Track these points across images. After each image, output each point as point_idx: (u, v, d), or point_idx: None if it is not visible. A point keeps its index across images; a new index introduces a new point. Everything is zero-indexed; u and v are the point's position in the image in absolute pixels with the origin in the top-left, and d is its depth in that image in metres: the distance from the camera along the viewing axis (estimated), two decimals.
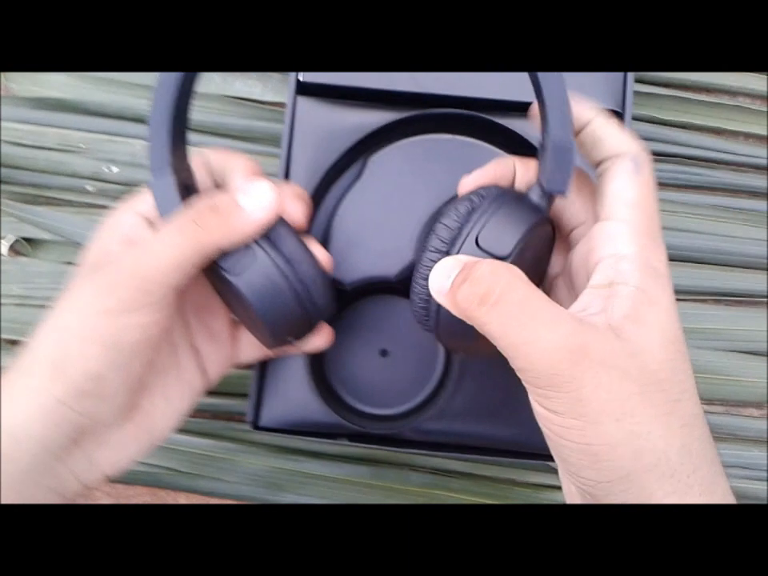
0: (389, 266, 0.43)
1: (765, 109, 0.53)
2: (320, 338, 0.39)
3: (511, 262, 0.30)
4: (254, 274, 0.33)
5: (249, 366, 0.42)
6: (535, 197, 0.33)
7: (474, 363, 0.42)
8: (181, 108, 0.35)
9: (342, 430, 0.42)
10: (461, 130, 0.44)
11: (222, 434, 0.50)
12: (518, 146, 0.44)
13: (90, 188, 0.53)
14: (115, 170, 0.52)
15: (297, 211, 0.38)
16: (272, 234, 0.34)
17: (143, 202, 0.36)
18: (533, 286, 0.29)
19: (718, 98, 0.53)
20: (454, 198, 0.35)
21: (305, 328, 0.36)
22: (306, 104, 0.45)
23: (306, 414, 0.42)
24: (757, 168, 0.52)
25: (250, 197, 0.34)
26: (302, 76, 0.44)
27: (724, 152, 0.52)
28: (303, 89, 0.44)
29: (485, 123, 0.43)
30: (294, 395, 0.42)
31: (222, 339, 0.39)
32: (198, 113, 0.53)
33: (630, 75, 0.44)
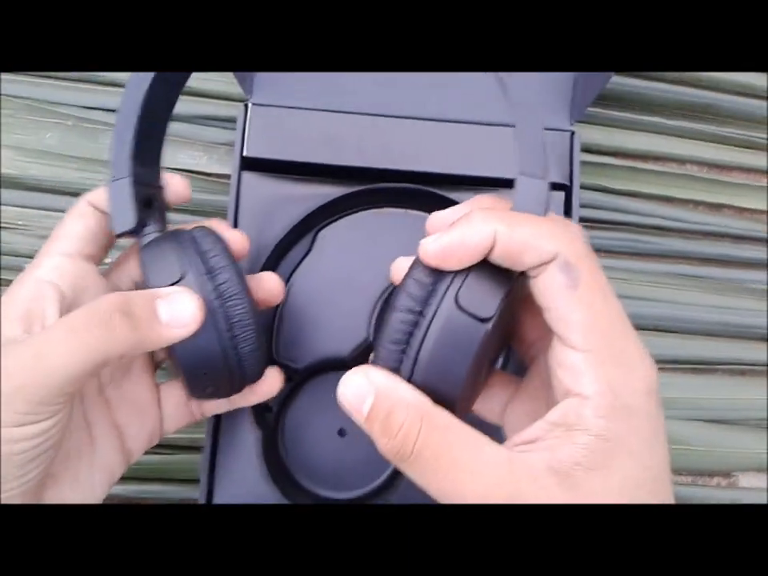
0: (342, 344, 0.41)
1: (713, 177, 0.54)
2: (268, 388, 0.36)
3: (492, 324, 0.26)
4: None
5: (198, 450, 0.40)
6: None
7: None
8: (152, 112, 0.33)
9: None
10: (410, 203, 0.44)
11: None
12: None
13: (27, 266, 0.50)
14: None
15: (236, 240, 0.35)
16: (220, 277, 0.31)
17: (50, 266, 0.33)
18: (453, 429, 0.26)
19: (667, 167, 0.54)
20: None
21: (224, 383, 0.32)
22: (251, 179, 0.44)
23: (260, 501, 0.40)
24: (707, 235, 0.53)
25: (171, 307, 0.29)
26: (246, 151, 0.43)
27: (675, 220, 0.52)
28: (248, 164, 0.43)
29: (434, 197, 0.43)
30: (246, 482, 0.40)
31: (146, 408, 0.36)
32: None
33: (576, 147, 0.44)
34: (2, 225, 0.51)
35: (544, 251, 0.26)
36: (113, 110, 0.53)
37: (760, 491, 0.50)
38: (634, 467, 0.25)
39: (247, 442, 0.40)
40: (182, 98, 0.52)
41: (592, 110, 0.52)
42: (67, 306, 0.32)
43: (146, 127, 0.32)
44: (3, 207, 0.51)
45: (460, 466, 0.25)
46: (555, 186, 0.44)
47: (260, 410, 0.41)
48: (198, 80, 0.52)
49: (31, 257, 0.49)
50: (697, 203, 0.53)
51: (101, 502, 0.34)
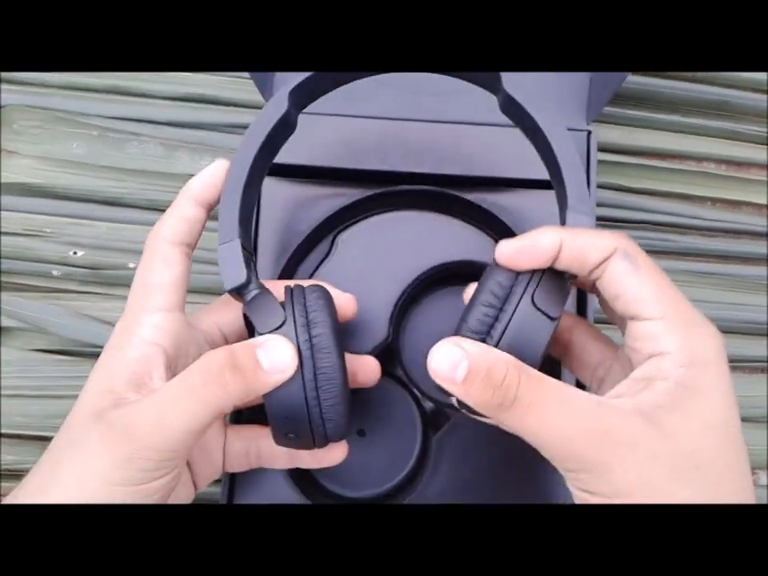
0: (363, 344, 0.42)
1: (730, 174, 0.53)
2: (330, 456, 0.37)
3: (557, 322, 0.31)
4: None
5: None
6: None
7: (453, 439, 0.41)
8: (253, 180, 0.35)
9: None
10: (428, 206, 0.44)
11: None
12: (485, 220, 0.44)
13: (55, 272, 0.52)
14: (80, 253, 0.52)
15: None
16: (316, 336, 0.32)
17: (152, 325, 0.33)
18: (544, 378, 0.29)
19: (684, 165, 0.54)
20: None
21: (305, 431, 0.33)
22: (272, 184, 0.44)
23: (281, 501, 0.40)
24: (725, 232, 0.53)
25: (270, 354, 0.31)
26: None
27: (693, 217, 0.52)
28: (269, 169, 0.44)
29: (450, 198, 0.43)
30: (266, 482, 0.41)
31: (213, 451, 0.38)
32: (165, 194, 0.52)
33: (593, 147, 0.45)
34: (31, 232, 0.52)
35: (606, 246, 0.30)
36: (137, 120, 0.54)
37: None
38: (711, 410, 0.28)
39: None
40: (205, 106, 0.54)
41: (609, 110, 0.53)
42: (170, 365, 0.33)
43: (248, 194, 0.35)
44: (32, 215, 0.52)
45: (557, 406, 0.28)
46: None
47: None
48: (220, 89, 0.54)
49: (59, 263, 0.51)
50: (714, 200, 0.53)
51: None
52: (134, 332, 0.33)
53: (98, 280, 0.52)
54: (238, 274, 0.33)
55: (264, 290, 0.33)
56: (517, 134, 0.44)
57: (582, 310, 0.43)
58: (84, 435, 0.31)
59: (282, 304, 0.33)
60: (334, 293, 0.37)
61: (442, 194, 0.43)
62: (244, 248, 0.34)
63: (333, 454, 0.37)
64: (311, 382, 0.32)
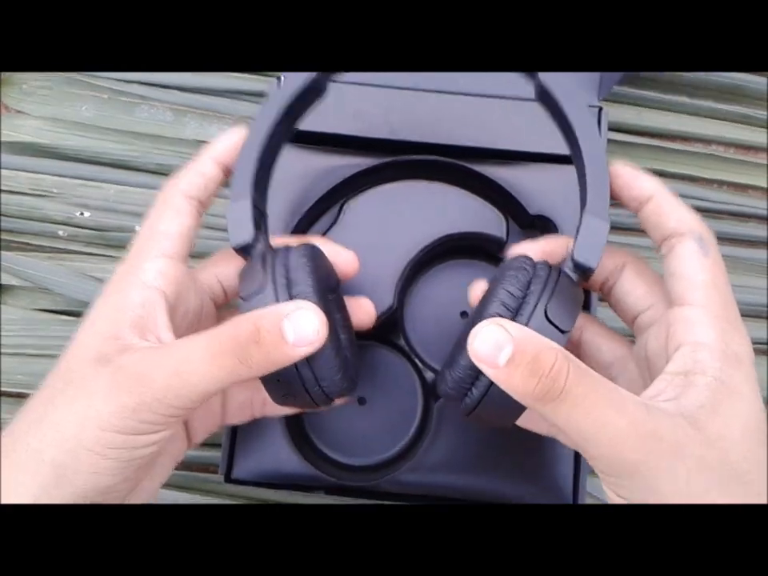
0: None
1: (738, 157, 0.53)
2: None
3: (568, 336, 0.29)
4: None
5: None
6: (568, 271, 0.32)
7: (452, 414, 0.41)
8: (272, 143, 0.35)
9: (317, 482, 0.40)
10: (437, 176, 0.44)
11: (195, 487, 0.49)
12: (494, 193, 0.44)
13: (61, 233, 0.52)
14: (87, 214, 0.52)
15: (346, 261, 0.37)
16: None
17: (155, 270, 0.32)
18: (591, 371, 0.27)
19: (692, 147, 0.54)
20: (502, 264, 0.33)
21: (306, 400, 0.32)
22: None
23: (281, 466, 0.41)
24: (732, 215, 0.53)
25: (296, 326, 0.29)
26: None
27: (700, 199, 0.52)
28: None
29: (460, 170, 0.43)
30: (268, 446, 0.41)
31: (211, 405, 0.37)
32: (173, 158, 0.52)
33: (604, 123, 0.45)
34: (38, 192, 0.52)
35: (688, 222, 0.32)
36: (148, 84, 0.54)
37: None
38: (747, 412, 0.28)
39: None
40: (215, 73, 0.53)
41: (620, 89, 0.53)
42: (171, 312, 0.32)
43: (266, 155, 0.34)
44: (40, 176, 0.52)
45: (606, 403, 0.27)
46: None
47: None
48: None
49: (65, 224, 0.52)
50: (721, 183, 0.53)
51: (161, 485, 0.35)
52: (137, 276, 0.32)
53: (104, 242, 0.52)
54: (245, 233, 0.33)
55: (264, 253, 0.33)
56: (524, 106, 0.44)
57: (585, 305, 0.42)
58: (87, 377, 0.30)
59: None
60: (332, 250, 0.36)
61: (451, 164, 0.43)
62: (256, 207, 0.33)
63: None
64: None
